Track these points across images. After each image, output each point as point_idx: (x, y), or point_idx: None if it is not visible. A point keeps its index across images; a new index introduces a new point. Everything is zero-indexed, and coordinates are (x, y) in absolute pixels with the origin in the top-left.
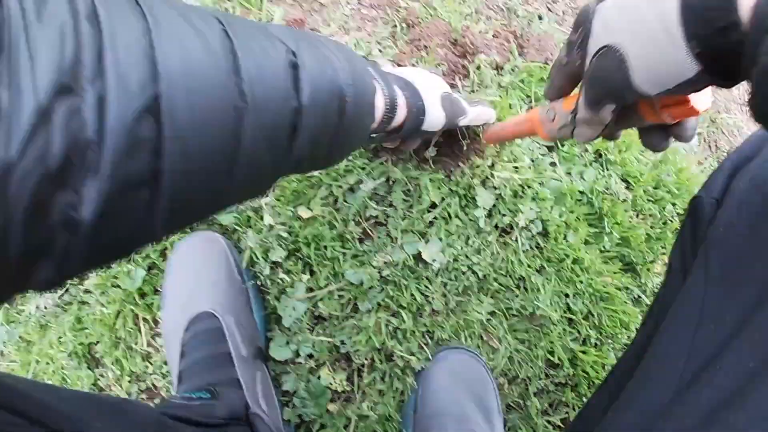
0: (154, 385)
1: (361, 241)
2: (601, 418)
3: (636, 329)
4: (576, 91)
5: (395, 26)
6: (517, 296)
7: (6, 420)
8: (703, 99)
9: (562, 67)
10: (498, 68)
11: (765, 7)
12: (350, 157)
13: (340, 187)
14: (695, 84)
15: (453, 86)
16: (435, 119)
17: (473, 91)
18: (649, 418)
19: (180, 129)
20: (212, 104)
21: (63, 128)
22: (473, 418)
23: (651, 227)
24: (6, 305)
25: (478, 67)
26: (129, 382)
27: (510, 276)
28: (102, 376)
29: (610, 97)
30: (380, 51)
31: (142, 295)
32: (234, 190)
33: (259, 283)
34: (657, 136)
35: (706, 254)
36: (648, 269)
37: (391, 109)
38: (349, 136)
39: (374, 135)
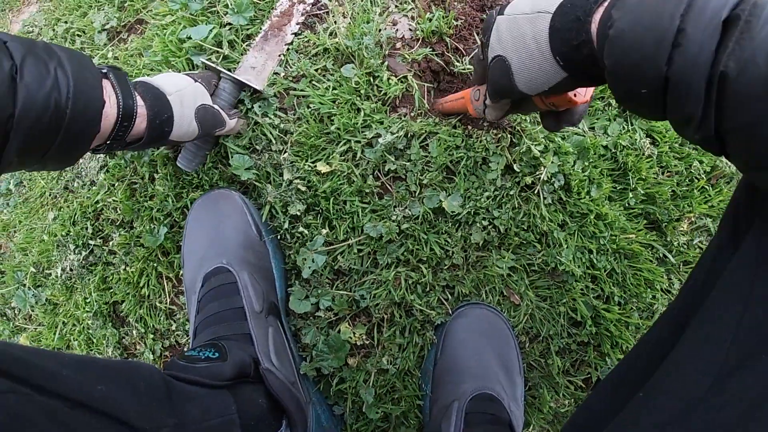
0: (177, 342)
1: (380, 195)
2: (630, 391)
3: (661, 290)
4: None
5: None
6: (539, 251)
7: (6, 387)
8: (581, 93)
9: (479, 61)
10: None
11: (603, 29)
12: (368, 112)
13: (359, 141)
14: (565, 86)
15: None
16: (185, 131)
17: None
18: (686, 405)
19: None
20: None
21: None
22: (495, 376)
23: (677, 185)
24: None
25: None
26: (153, 339)
27: (532, 231)
28: (126, 334)
29: (501, 94)
30: (397, 7)
31: (165, 252)
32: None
33: (278, 237)
34: (550, 119)
35: (763, 229)
36: (673, 227)
37: (127, 118)
38: (68, 144)
39: (109, 142)
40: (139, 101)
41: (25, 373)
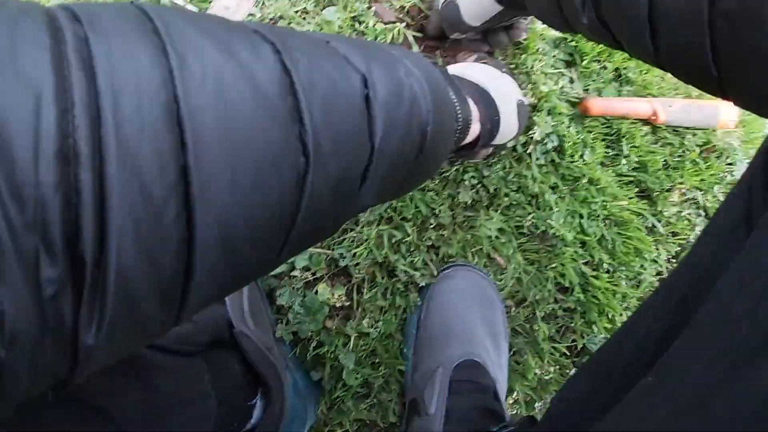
0: None
1: None
2: (625, 370)
3: (649, 260)
4: None
5: None
6: (529, 213)
7: None
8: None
9: (434, 11)
10: None
11: None
12: None
13: None
14: (502, 16)
15: None
16: (509, 132)
17: None
18: (700, 393)
19: (217, 216)
20: (263, 174)
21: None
22: (479, 341)
23: (670, 155)
24: None
25: None
26: None
27: (522, 192)
28: None
29: (454, 28)
30: None
31: None
32: (285, 254)
33: None
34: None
35: None
36: (664, 198)
37: (464, 128)
38: (422, 173)
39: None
40: (471, 104)
41: None
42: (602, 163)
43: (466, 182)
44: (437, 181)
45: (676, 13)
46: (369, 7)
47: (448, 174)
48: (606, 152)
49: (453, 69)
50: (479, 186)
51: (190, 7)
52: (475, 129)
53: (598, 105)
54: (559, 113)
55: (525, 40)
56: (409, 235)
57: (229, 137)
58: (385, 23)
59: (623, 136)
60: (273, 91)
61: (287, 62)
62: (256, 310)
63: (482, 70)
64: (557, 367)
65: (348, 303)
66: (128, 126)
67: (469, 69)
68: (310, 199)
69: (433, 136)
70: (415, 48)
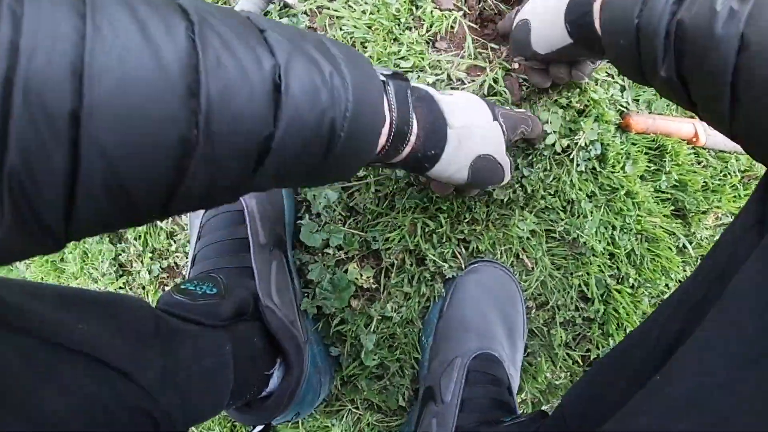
0: (176, 263)
1: None
2: (636, 371)
3: (676, 280)
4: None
5: None
6: (562, 219)
7: None
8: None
9: (506, 23)
10: None
11: (614, 5)
12: (407, 43)
13: None
14: (570, 50)
15: None
16: (449, 175)
17: None
18: (704, 391)
19: (102, 156)
20: (151, 131)
21: None
22: (497, 337)
23: (710, 177)
24: None
25: None
26: (151, 259)
27: (559, 196)
28: (124, 251)
29: (518, 50)
30: None
31: None
32: (174, 207)
33: None
34: (561, 69)
35: None
36: (699, 219)
37: (394, 147)
38: (333, 172)
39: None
40: (414, 125)
41: None
42: (642, 176)
43: None
44: None
45: (761, 81)
46: None
47: None
48: (648, 166)
49: (446, 93)
50: (517, 185)
51: None
52: (405, 150)
53: (640, 123)
54: (606, 121)
55: (586, 83)
56: (442, 226)
57: (124, 97)
58: (442, 10)
59: (667, 152)
60: (174, 67)
61: (198, 42)
62: (282, 286)
63: (467, 105)
64: (568, 373)
65: (375, 285)
66: (37, 74)
67: (459, 97)
68: (197, 165)
69: (346, 143)
70: (469, 40)
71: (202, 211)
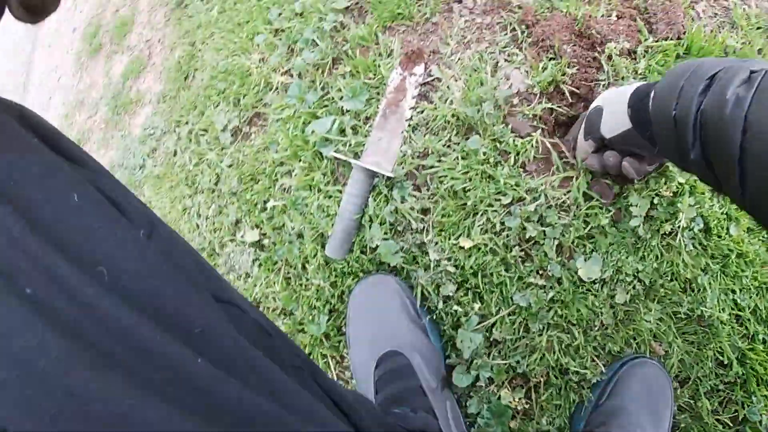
0: None
1: (523, 261)
2: None
3: None
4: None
5: (514, 30)
6: (684, 299)
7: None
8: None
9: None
10: (630, 54)
11: (660, 98)
12: (500, 179)
13: (496, 212)
14: (629, 135)
15: (591, 84)
16: None
17: (609, 84)
18: None
19: None
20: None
21: None
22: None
23: None
24: None
25: (610, 57)
26: None
27: (676, 279)
28: None
29: (589, 131)
30: (507, 60)
31: (327, 336)
32: None
33: (434, 317)
34: (612, 158)
35: None
36: None
37: None
38: None
39: None
40: None
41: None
42: (748, 229)
43: (622, 281)
44: (597, 284)
45: (761, 155)
46: (506, 124)
47: (604, 276)
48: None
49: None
50: (635, 281)
51: (349, 158)
52: None
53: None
54: (702, 193)
55: (636, 182)
56: (576, 339)
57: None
58: (522, 137)
59: None
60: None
61: None
62: (458, 421)
63: None
64: None
65: (527, 404)
66: None
67: None
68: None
69: None
70: (554, 155)
71: (371, 371)
